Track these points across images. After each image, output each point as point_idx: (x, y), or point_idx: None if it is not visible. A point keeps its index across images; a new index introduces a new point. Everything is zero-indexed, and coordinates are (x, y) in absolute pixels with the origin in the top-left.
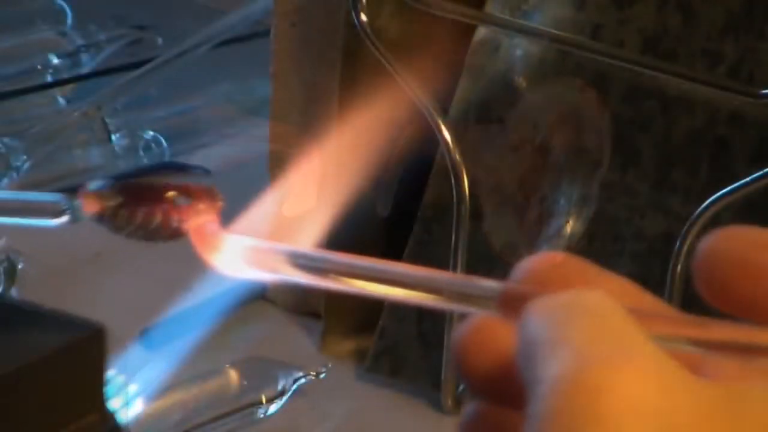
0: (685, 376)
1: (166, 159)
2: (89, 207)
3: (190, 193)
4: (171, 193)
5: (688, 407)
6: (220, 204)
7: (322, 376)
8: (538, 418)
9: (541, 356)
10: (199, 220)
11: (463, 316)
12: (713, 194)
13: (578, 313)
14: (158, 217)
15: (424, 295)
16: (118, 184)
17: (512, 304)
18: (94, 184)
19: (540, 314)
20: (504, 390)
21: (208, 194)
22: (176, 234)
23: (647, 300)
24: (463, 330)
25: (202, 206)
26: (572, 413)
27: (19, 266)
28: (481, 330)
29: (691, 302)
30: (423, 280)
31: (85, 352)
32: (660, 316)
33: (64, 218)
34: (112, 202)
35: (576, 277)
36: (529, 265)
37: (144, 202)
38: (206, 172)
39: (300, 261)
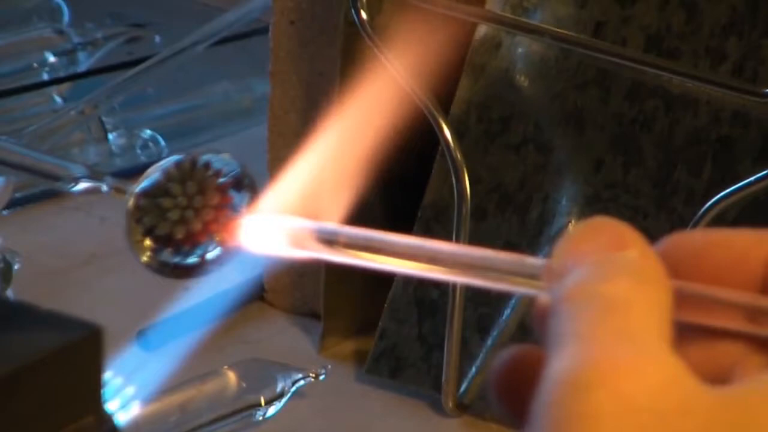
0: (688, 380)
1: (164, 158)
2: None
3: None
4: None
5: (682, 410)
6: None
7: (321, 377)
8: (535, 411)
9: (553, 351)
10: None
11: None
12: (716, 194)
13: (597, 308)
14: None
15: (464, 273)
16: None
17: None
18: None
19: (561, 304)
20: None
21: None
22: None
23: None
24: (500, 359)
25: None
26: (562, 410)
27: (16, 267)
28: (518, 360)
29: None
30: (465, 258)
31: (82, 353)
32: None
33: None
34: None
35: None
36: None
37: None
38: None
39: (334, 238)
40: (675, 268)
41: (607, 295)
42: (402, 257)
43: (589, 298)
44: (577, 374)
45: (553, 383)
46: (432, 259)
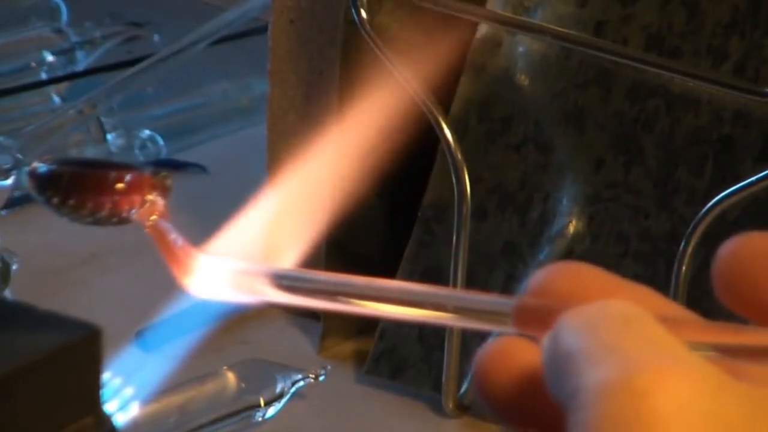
0: (729, 380)
1: (164, 156)
2: (34, 190)
3: (138, 182)
4: (120, 185)
5: (736, 409)
6: (168, 191)
7: (321, 378)
8: (585, 424)
9: (581, 366)
10: (148, 210)
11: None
12: (718, 194)
13: (614, 323)
14: (106, 208)
15: (431, 312)
16: (65, 171)
17: (528, 320)
18: (41, 167)
19: (574, 325)
20: (526, 410)
21: (157, 182)
22: (125, 221)
23: (669, 307)
24: (483, 352)
25: (150, 196)
26: (623, 417)
27: (14, 267)
28: (501, 351)
29: (696, 303)
30: (430, 297)
31: (81, 353)
32: (687, 322)
33: (11, 179)
34: (58, 193)
35: (594, 287)
36: (544, 276)
37: (91, 192)
38: (203, 169)
39: (286, 282)
40: (750, 271)
41: (618, 311)
42: (371, 300)
43: (601, 315)
44: (628, 382)
45: (602, 395)
46: (400, 301)
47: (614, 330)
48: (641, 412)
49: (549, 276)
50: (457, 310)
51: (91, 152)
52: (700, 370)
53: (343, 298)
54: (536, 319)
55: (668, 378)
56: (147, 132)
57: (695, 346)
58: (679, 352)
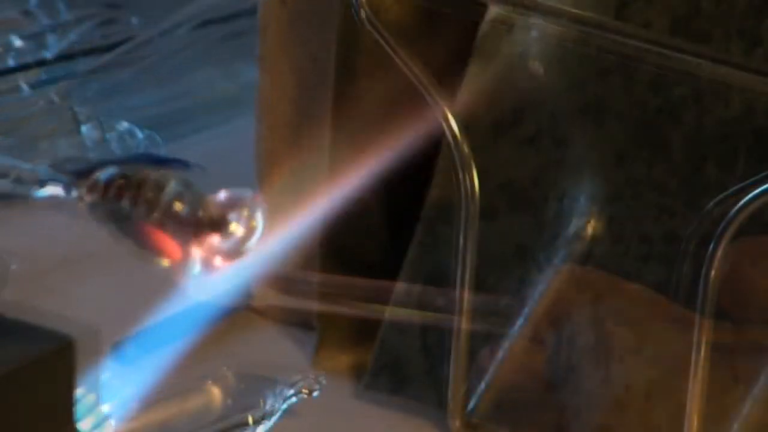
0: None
1: (142, 151)
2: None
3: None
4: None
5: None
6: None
7: (315, 394)
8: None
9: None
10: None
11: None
12: (750, 191)
13: None
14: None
15: (435, 315)
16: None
17: (534, 323)
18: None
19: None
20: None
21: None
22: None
23: (671, 307)
24: (484, 353)
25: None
26: None
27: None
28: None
29: (722, 309)
30: (436, 300)
31: (53, 365)
32: (687, 322)
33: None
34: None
35: (597, 290)
36: (550, 280)
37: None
38: (202, 169)
39: (285, 284)
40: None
41: None
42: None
43: None
44: None
45: None
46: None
47: None
48: None
49: (554, 279)
50: (462, 314)
51: (63, 145)
52: None
53: (344, 300)
54: (541, 322)
55: None
56: (125, 124)
57: (695, 346)
58: None
